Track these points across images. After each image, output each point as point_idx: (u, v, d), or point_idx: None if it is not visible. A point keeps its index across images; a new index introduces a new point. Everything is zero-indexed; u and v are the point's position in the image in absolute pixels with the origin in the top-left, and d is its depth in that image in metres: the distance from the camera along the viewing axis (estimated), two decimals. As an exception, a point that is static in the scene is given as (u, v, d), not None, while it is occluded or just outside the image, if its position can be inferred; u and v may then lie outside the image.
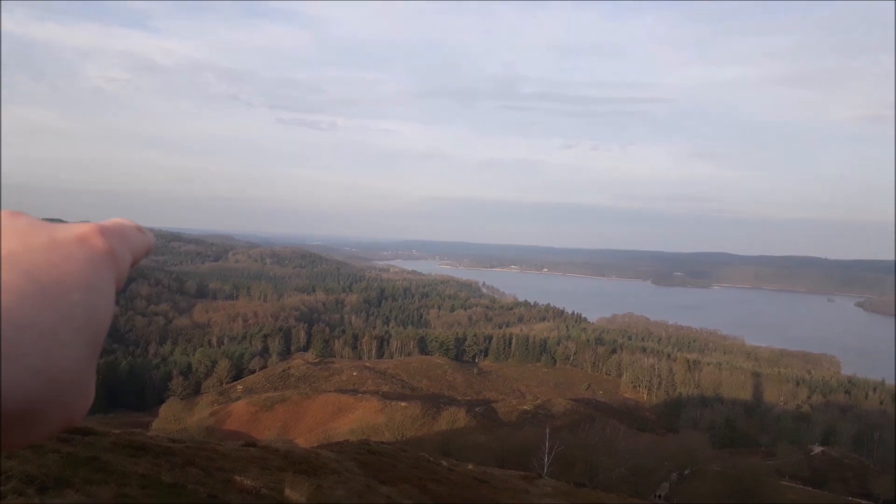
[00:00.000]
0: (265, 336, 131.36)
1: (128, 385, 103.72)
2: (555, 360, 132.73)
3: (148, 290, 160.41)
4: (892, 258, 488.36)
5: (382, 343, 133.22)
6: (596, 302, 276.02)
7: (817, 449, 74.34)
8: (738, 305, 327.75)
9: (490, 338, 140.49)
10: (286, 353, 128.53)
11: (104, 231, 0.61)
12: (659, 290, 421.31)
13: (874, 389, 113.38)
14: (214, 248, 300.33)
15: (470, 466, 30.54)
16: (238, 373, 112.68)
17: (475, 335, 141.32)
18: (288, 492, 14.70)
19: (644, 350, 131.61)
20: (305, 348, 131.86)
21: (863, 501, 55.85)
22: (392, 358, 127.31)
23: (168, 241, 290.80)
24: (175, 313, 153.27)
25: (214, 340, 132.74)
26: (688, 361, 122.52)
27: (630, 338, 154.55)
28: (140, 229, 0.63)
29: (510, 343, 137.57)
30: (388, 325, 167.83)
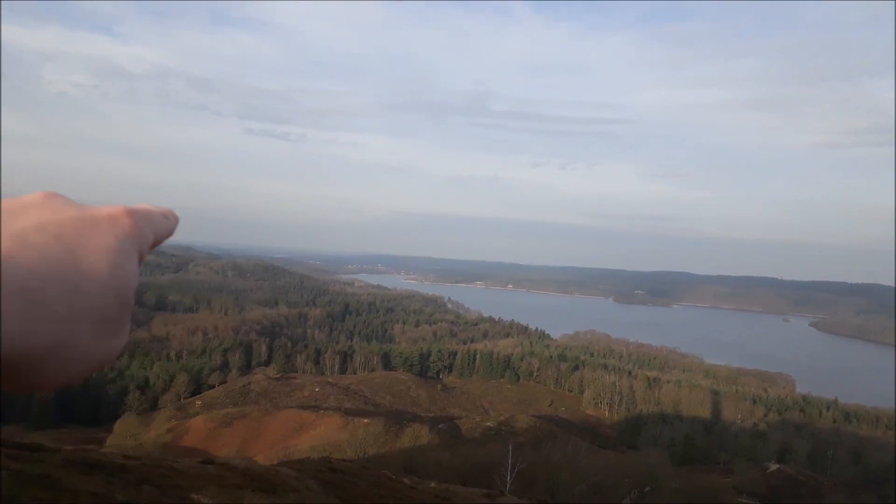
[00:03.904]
0: (225, 350, 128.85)
1: (81, 399, 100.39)
2: (518, 377, 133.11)
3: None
4: (844, 280, 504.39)
5: (346, 358, 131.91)
6: (559, 318, 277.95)
7: (773, 466, 75.74)
8: (696, 324, 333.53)
9: (455, 353, 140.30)
10: (247, 368, 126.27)
11: (131, 212, 0.71)
12: (620, 307, 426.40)
13: (827, 407, 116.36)
14: (174, 260, 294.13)
15: (432, 484, 30.40)
16: (197, 388, 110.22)
17: (440, 351, 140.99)
18: (247, 511, 14.46)
19: (606, 367, 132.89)
20: (267, 363, 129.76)
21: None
22: (355, 373, 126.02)
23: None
24: (133, 326, 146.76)
25: (173, 354, 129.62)
26: (648, 379, 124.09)
27: (592, 355, 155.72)
28: (165, 214, 0.73)
29: (474, 359, 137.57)
30: (351, 340, 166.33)
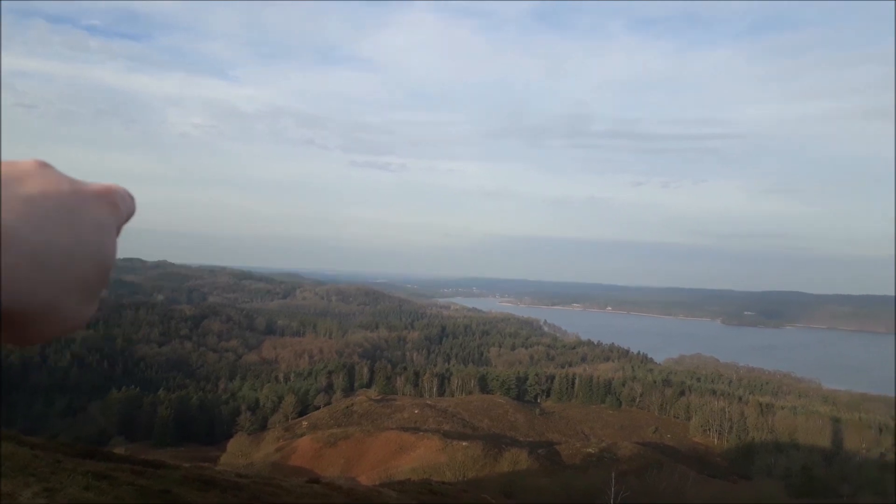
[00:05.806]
0: (330, 372, 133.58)
1: (198, 419, 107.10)
2: (620, 402, 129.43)
3: (219, 326, 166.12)
4: None
5: (443, 381, 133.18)
6: (663, 342, 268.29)
7: (905, 502, 69.59)
8: (813, 347, 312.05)
9: (552, 377, 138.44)
10: (350, 390, 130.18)
11: (115, 192, 0.81)
12: (729, 329, 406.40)
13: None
14: (283, 286, 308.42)
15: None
16: (303, 409, 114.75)
17: (537, 374, 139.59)
18: (352, 527, 15.36)
19: (714, 392, 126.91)
20: (368, 385, 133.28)
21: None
22: (453, 396, 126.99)
23: (239, 280, 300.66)
24: (245, 349, 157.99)
25: (281, 376, 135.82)
26: (760, 405, 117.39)
27: (699, 379, 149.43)
28: (131, 195, 0.83)
29: (573, 383, 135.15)
30: (448, 363, 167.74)
